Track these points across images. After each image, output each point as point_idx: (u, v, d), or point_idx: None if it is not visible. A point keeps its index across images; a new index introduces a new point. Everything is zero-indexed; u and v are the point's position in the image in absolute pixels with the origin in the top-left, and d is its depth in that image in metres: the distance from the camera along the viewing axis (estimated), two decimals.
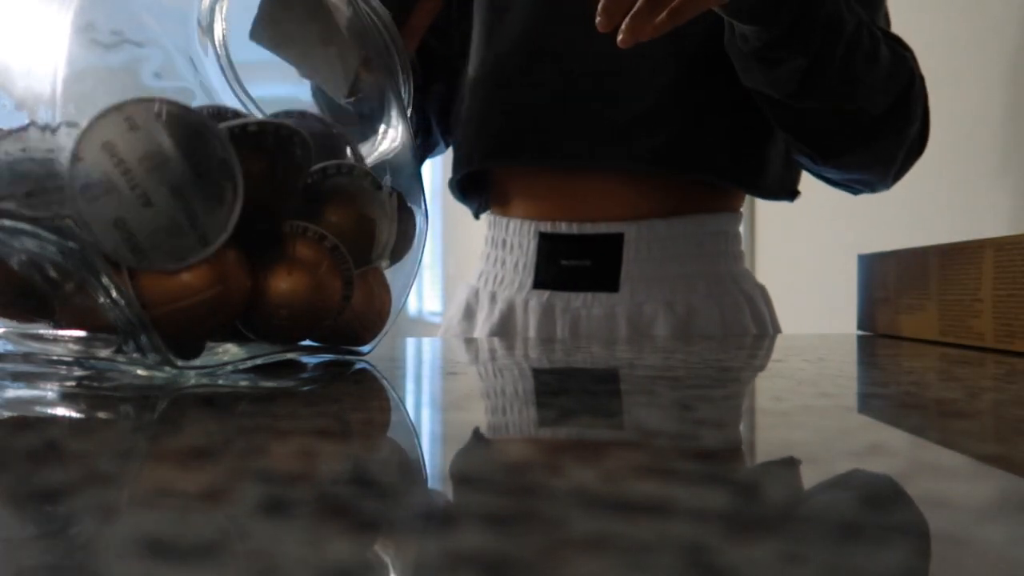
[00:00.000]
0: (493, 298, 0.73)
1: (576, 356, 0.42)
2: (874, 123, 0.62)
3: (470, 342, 0.59)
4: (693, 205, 0.68)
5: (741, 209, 0.73)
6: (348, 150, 0.38)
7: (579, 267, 0.69)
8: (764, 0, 0.52)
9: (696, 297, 0.68)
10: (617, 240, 0.68)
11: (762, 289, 0.74)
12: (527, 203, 0.72)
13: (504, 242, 0.74)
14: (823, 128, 0.62)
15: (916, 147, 0.66)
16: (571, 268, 0.69)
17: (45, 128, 0.29)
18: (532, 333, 0.70)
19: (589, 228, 0.68)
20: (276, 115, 0.37)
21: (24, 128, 0.29)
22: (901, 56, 0.62)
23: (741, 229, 0.73)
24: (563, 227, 0.69)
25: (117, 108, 0.28)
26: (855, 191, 0.72)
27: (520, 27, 0.69)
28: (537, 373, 0.35)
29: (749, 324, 0.70)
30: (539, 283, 0.70)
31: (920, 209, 1.05)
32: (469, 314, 0.76)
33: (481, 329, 0.74)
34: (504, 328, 0.72)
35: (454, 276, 3.71)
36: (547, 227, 0.70)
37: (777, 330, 0.74)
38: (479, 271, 0.77)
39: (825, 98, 0.59)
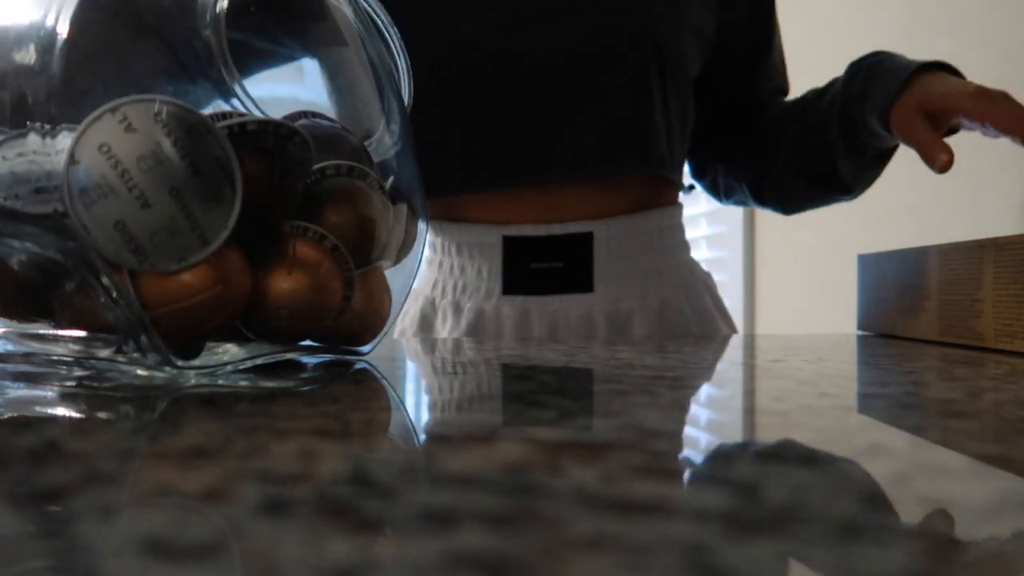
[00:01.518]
0: (457, 308, 0.70)
1: (576, 356, 0.42)
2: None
3: (470, 343, 0.59)
4: (648, 200, 0.70)
5: (679, 201, 0.76)
6: (359, 151, 0.37)
7: (551, 269, 0.67)
8: None
9: (666, 289, 0.70)
10: (587, 239, 0.67)
11: (708, 275, 0.79)
12: (486, 208, 0.69)
13: (460, 248, 0.70)
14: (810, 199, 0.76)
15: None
16: (542, 271, 0.67)
17: (45, 134, 0.29)
18: (506, 337, 0.68)
19: (557, 228, 0.67)
20: (288, 116, 0.37)
21: (24, 133, 0.29)
22: None
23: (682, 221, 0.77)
24: (529, 229, 0.67)
25: (112, 109, 0.28)
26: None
27: (456, 42, 0.66)
28: (536, 373, 0.35)
29: (712, 309, 0.74)
30: (509, 288, 0.68)
31: (920, 209, 1.04)
32: (426, 325, 0.73)
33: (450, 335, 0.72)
34: (473, 335, 0.69)
35: None
36: (512, 230, 0.67)
37: (725, 315, 0.79)
38: (431, 280, 0.73)
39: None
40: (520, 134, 0.66)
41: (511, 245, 0.67)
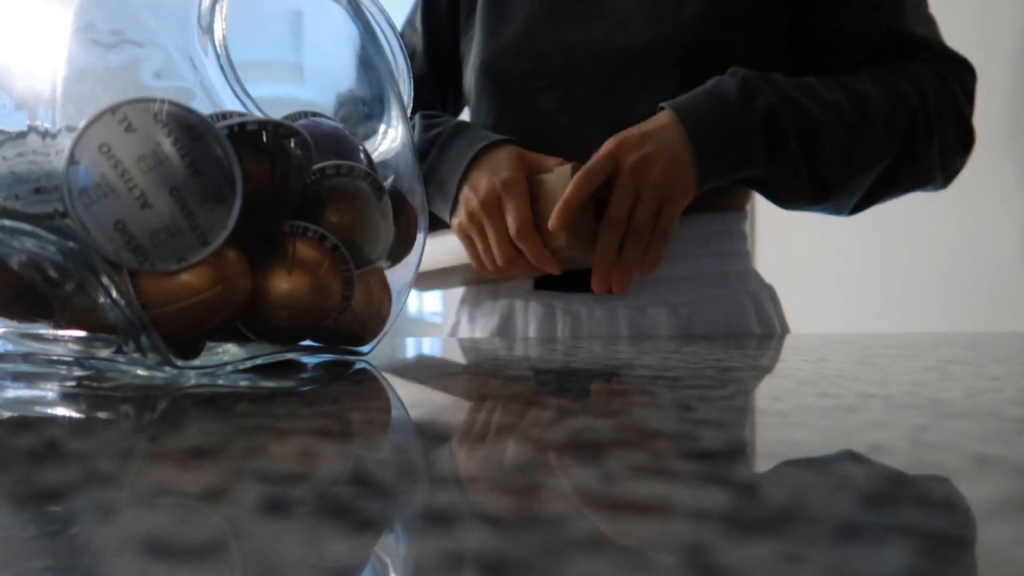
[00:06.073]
0: (494, 296, 0.73)
1: (576, 356, 0.42)
2: (890, 168, 0.63)
3: (470, 342, 0.59)
4: (697, 203, 0.67)
5: (746, 207, 0.73)
6: (359, 151, 0.37)
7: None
8: (727, 160, 0.58)
9: (699, 298, 0.68)
10: None
11: (770, 289, 0.74)
12: None
13: None
14: (855, 193, 0.65)
15: (956, 149, 0.66)
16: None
17: (45, 134, 0.29)
18: (532, 334, 0.69)
19: None
20: (288, 116, 0.37)
21: (24, 133, 0.29)
22: (892, 91, 0.62)
23: (745, 228, 0.73)
24: None
25: (112, 110, 0.28)
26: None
27: (521, 29, 0.69)
28: (537, 373, 0.35)
29: (753, 325, 0.69)
30: (540, 284, 0.70)
31: (920, 208, 1.04)
32: (470, 316, 0.76)
33: (482, 331, 0.73)
34: (504, 329, 0.71)
35: None
36: None
37: (786, 330, 0.73)
38: None
39: (844, 177, 0.62)
40: (548, 131, 0.68)
41: None
